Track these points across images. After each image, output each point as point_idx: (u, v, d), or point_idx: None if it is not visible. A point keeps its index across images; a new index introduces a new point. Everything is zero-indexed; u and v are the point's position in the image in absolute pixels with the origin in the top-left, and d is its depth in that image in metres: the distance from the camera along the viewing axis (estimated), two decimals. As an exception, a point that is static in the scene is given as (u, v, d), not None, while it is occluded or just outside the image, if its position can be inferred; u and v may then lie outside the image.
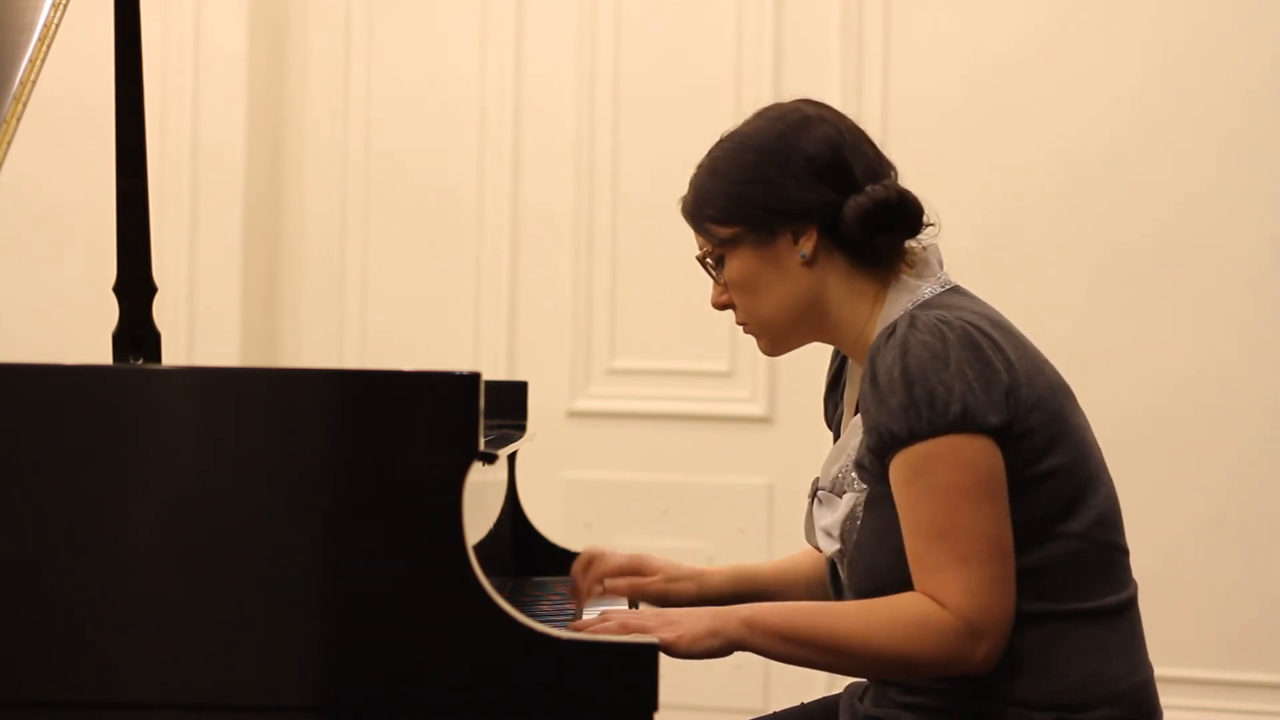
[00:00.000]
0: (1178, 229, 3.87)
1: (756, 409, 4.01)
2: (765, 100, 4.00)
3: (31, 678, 1.64)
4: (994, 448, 1.76)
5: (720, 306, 2.01)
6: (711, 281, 2.00)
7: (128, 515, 1.64)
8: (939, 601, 1.75)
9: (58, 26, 2.00)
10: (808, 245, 1.91)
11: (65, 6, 2.02)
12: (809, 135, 1.93)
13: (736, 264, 1.94)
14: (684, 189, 2.03)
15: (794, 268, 1.92)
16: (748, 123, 1.99)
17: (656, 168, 4.13)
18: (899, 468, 1.78)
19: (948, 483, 1.75)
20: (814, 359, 3.98)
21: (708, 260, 1.98)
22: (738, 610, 1.80)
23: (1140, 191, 3.90)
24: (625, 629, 1.77)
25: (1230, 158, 3.85)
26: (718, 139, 2.00)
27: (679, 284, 4.09)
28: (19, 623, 1.63)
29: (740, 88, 4.12)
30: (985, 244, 3.93)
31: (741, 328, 2.03)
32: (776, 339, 2.00)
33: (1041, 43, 3.97)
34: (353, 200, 4.39)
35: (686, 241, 2.04)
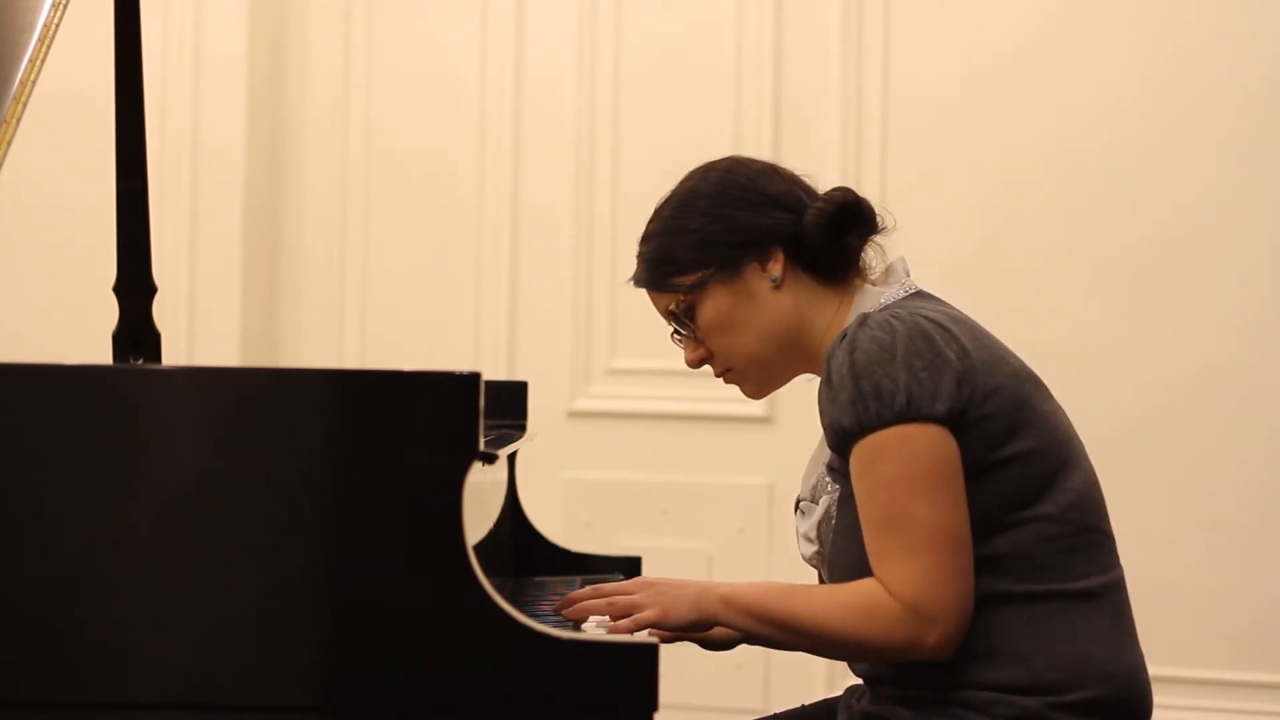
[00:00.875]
0: (1178, 229, 3.87)
1: (756, 409, 4.01)
2: (765, 100, 4.07)
3: (31, 678, 1.64)
4: (945, 435, 1.79)
5: (697, 363, 2.04)
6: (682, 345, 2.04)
7: (128, 515, 1.64)
8: (888, 590, 1.79)
9: (58, 26, 2.00)
10: (775, 268, 1.97)
11: (65, 6, 2.02)
12: (751, 173, 2.01)
13: (709, 306, 1.98)
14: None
15: (766, 294, 1.97)
16: (681, 184, 2.05)
17: (656, 167, 4.10)
18: (854, 461, 1.83)
19: (894, 473, 1.79)
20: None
21: (677, 316, 2.00)
22: (718, 587, 1.88)
23: (1140, 191, 3.90)
24: (613, 606, 1.87)
25: (1231, 157, 3.85)
26: (655, 208, 2.04)
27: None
28: (19, 623, 1.63)
29: (740, 88, 4.12)
30: (985, 244, 3.93)
31: (724, 378, 2.05)
32: (763, 375, 2.03)
33: (1041, 43, 3.97)
34: (353, 200, 4.39)
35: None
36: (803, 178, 2.04)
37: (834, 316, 1.98)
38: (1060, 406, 1.93)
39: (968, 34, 4.01)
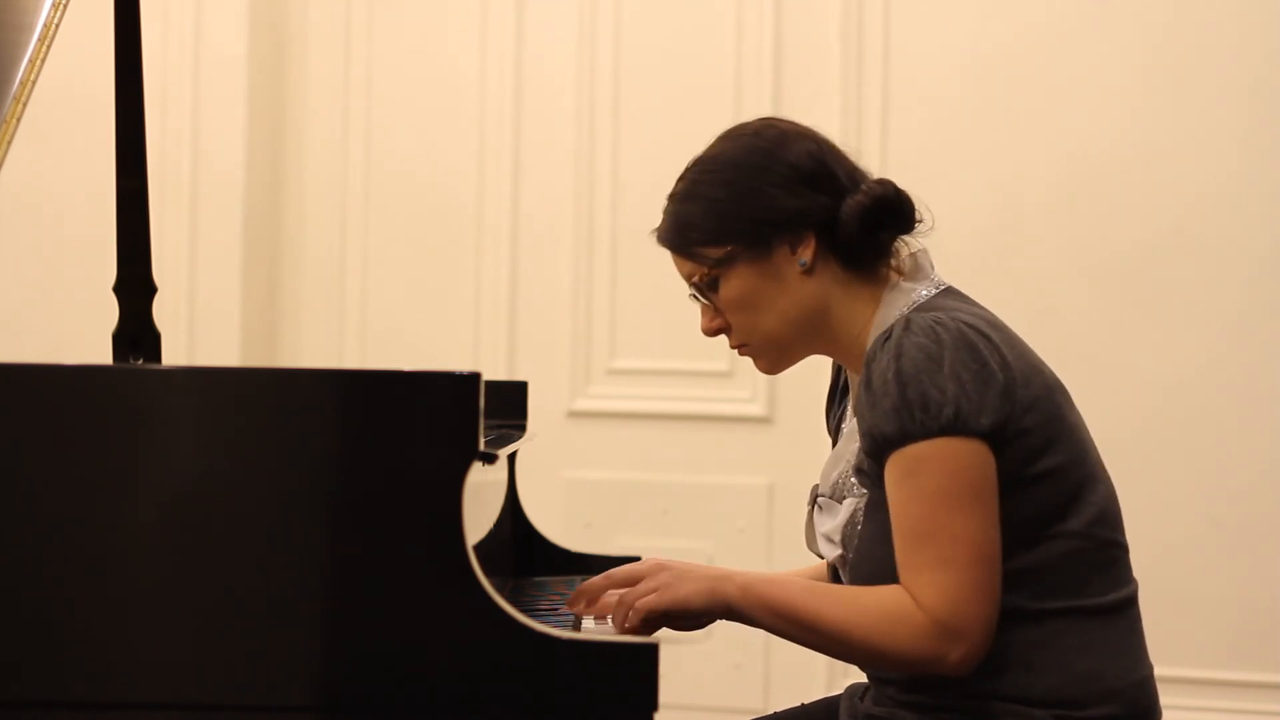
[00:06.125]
0: (1179, 228, 3.87)
1: (756, 409, 4.01)
2: (765, 100, 4.07)
3: (31, 678, 1.63)
4: (986, 450, 1.77)
5: (713, 332, 1.99)
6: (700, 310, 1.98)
7: (127, 515, 1.64)
8: (917, 602, 1.75)
9: (58, 26, 2.00)
10: (806, 253, 1.91)
11: (65, 6, 2.02)
12: (787, 146, 1.93)
13: (734, 283, 1.93)
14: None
15: (794, 278, 1.92)
16: (715, 145, 1.98)
17: (657, 168, 4.11)
18: (891, 469, 1.78)
19: (935, 486, 1.75)
20: (814, 359, 3.96)
21: (699, 286, 1.96)
22: (735, 575, 1.83)
23: (1141, 192, 3.90)
24: (623, 603, 1.83)
25: (1233, 156, 3.85)
26: (686, 166, 1.98)
27: (679, 284, 4.08)
28: (19, 623, 1.63)
29: (740, 88, 4.12)
30: (985, 244, 3.93)
31: (738, 351, 2.00)
32: (779, 355, 1.99)
33: (1042, 42, 3.97)
34: (353, 200, 4.39)
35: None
36: (849, 155, 1.96)
37: (863, 309, 1.93)
38: (1080, 415, 1.90)
39: (968, 33, 4.01)
